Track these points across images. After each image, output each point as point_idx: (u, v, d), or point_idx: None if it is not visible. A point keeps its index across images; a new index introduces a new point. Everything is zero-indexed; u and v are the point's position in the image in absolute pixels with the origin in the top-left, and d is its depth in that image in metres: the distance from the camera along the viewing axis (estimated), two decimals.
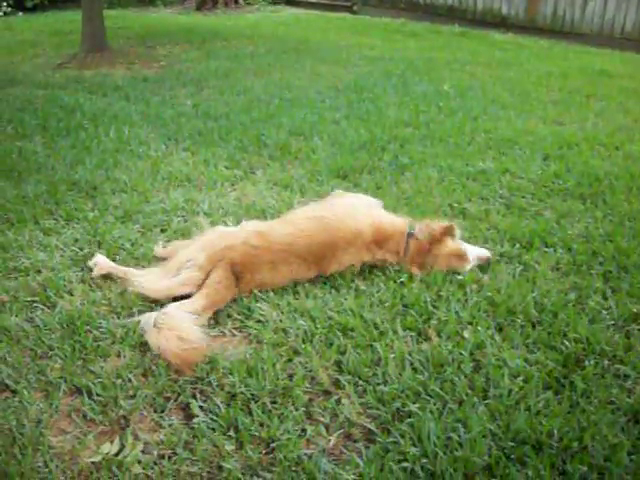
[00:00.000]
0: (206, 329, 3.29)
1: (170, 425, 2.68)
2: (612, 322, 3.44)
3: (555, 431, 2.63)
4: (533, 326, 3.38)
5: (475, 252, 3.96)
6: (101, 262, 3.80)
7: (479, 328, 3.29)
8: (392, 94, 8.25)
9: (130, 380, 2.90)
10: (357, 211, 4.04)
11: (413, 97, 8.08)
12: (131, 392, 2.84)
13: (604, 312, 3.52)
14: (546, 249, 4.21)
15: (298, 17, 16.41)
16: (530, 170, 5.58)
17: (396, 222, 4.03)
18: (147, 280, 3.57)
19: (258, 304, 3.47)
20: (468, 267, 3.88)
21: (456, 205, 4.78)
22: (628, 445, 2.59)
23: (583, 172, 5.51)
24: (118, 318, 3.34)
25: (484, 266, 3.92)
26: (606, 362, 3.11)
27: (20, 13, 17.19)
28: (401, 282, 3.70)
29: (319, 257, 3.72)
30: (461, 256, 3.89)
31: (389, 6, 16.88)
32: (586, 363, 3.07)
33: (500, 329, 3.35)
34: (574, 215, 4.72)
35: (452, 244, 3.92)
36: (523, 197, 5.04)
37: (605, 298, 3.68)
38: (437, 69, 10.03)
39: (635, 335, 3.35)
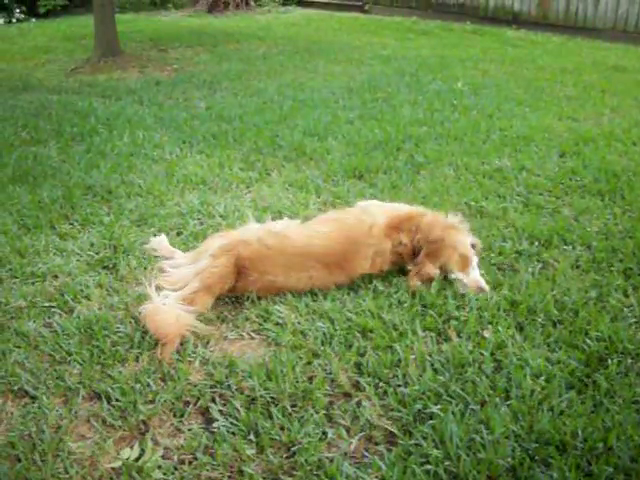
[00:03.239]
0: (205, 311, 3.40)
1: (190, 430, 2.66)
2: (634, 320, 3.39)
3: (579, 431, 2.59)
4: (554, 325, 3.34)
5: (477, 275, 3.71)
6: (163, 242, 4.02)
7: (499, 328, 3.26)
8: (406, 93, 8.23)
9: (149, 385, 2.88)
10: (370, 207, 4.03)
11: (427, 96, 8.05)
12: (150, 397, 2.82)
13: (626, 310, 3.48)
14: (565, 247, 4.16)
15: (309, 17, 16.40)
16: (547, 167, 5.54)
17: (412, 208, 4.04)
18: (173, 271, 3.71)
19: (276, 306, 3.45)
20: (463, 279, 3.67)
21: (473, 203, 4.74)
22: None
23: (600, 168, 5.46)
24: (136, 322, 3.32)
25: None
26: (629, 360, 3.07)
27: (33, 19, 17.27)
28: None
29: (341, 259, 3.62)
30: (465, 260, 3.72)
31: (401, 5, 16.84)
32: (609, 362, 3.02)
33: (521, 328, 3.31)
34: (592, 212, 4.67)
35: (464, 241, 3.80)
36: (540, 194, 5.00)
37: (626, 295, 3.63)
38: (450, 67, 9.98)
39: None
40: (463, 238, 3.82)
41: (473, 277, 3.67)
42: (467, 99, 7.89)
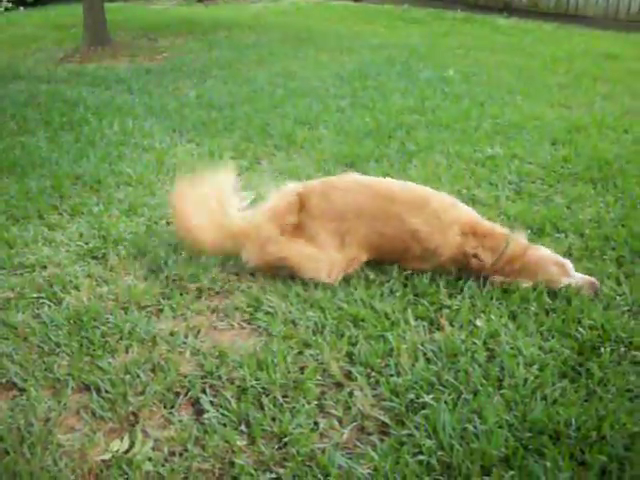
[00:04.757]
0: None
1: (180, 421, 2.62)
2: (627, 308, 3.37)
3: (573, 420, 2.57)
4: (547, 313, 3.32)
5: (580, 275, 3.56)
6: None
7: (492, 316, 3.23)
8: (396, 81, 8.18)
9: (139, 376, 2.84)
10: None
11: (418, 84, 8.01)
12: (140, 388, 2.78)
13: (618, 298, 3.46)
14: (558, 235, 4.14)
15: (299, 6, 16.30)
16: (539, 155, 5.51)
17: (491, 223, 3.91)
18: None
19: (267, 296, 3.42)
20: (572, 282, 3.50)
21: (465, 191, 4.72)
22: None
23: (592, 156, 5.44)
24: (125, 313, 3.29)
25: None
26: (622, 349, 3.05)
27: (21, 8, 17.12)
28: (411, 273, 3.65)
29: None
30: (563, 267, 3.56)
31: None
32: (602, 350, 3.01)
33: (514, 317, 3.28)
34: (585, 200, 4.65)
35: (548, 252, 3.67)
36: (533, 182, 4.98)
37: (619, 284, 3.61)
38: (441, 55, 9.95)
39: None
40: (545, 251, 3.68)
41: (580, 276, 3.54)
42: (458, 87, 7.86)
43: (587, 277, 3.53)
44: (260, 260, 3.61)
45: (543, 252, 3.65)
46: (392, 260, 3.71)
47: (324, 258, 3.56)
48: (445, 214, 3.69)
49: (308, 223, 3.65)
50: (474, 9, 15.09)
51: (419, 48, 10.43)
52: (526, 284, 3.50)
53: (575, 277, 3.52)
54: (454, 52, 10.21)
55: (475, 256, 3.59)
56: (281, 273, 3.58)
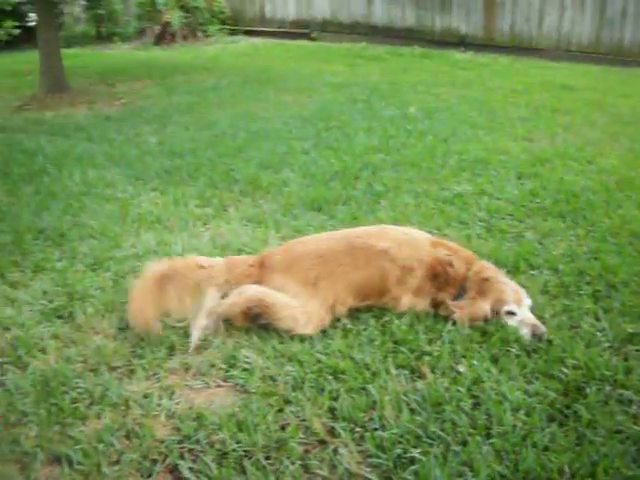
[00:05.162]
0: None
1: None
2: (608, 344, 3.34)
3: (566, 468, 2.50)
4: (529, 355, 3.26)
5: (531, 315, 3.52)
6: None
7: (474, 361, 3.17)
8: (359, 120, 8.18)
9: (112, 444, 2.69)
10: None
11: (381, 122, 8.02)
12: (114, 457, 2.64)
13: (599, 334, 3.43)
14: (532, 271, 4.12)
15: (257, 47, 16.35)
16: (506, 190, 5.52)
17: None
18: None
19: (243, 350, 3.30)
20: (517, 313, 3.50)
21: (436, 232, 4.65)
22: None
23: (559, 189, 5.47)
24: (95, 375, 3.14)
25: None
26: (608, 388, 3.00)
27: None
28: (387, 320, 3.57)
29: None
30: (518, 295, 3.59)
31: (348, 31, 16.90)
32: (588, 390, 2.96)
33: (496, 360, 3.22)
34: (556, 234, 4.65)
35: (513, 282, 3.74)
36: (503, 219, 4.96)
37: (598, 319, 3.59)
38: (402, 92, 10.00)
39: (633, 357, 3.26)
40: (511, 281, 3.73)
41: (529, 316, 3.49)
42: (421, 124, 7.88)
43: (534, 320, 3.46)
44: (233, 305, 3.50)
45: (507, 279, 3.72)
46: (375, 296, 3.67)
47: (299, 305, 3.47)
48: (411, 232, 3.90)
49: (275, 278, 3.60)
50: (431, 44, 15.28)
51: (380, 86, 10.50)
52: (485, 305, 3.51)
53: (523, 313, 3.50)
54: (415, 88, 10.28)
55: (450, 264, 3.66)
56: (255, 324, 3.48)
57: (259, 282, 3.61)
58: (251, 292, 3.49)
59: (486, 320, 3.51)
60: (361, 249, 3.67)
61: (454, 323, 3.50)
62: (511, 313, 3.49)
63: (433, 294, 3.67)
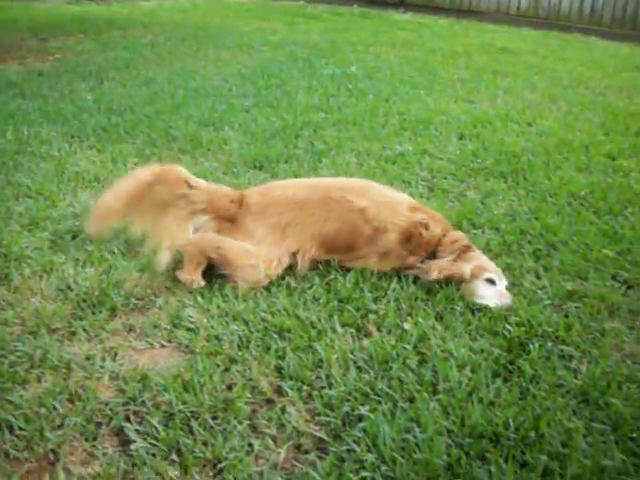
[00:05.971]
0: None
1: (105, 454, 2.41)
2: (549, 302, 3.40)
3: (511, 422, 2.53)
4: (473, 313, 3.29)
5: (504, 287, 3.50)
6: None
7: (419, 319, 3.18)
8: (300, 79, 8.09)
9: (55, 408, 2.60)
10: None
11: (321, 81, 7.94)
12: (57, 421, 2.54)
13: (540, 292, 3.49)
14: (474, 230, 4.15)
15: (195, 3, 15.95)
16: (448, 150, 5.54)
17: None
18: None
19: (186, 310, 3.24)
20: (497, 280, 3.48)
21: None
22: (582, 428, 2.53)
23: (500, 150, 5.51)
24: (35, 338, 3.04)
25: None
26: (549, 344, 3.06)
27: None
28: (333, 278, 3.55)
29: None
30: (495, 268, 3.57)
31: None
32: (530, 347, 3.00)
33: (441, 318, 3.24)
34: (497, 194, 4.70)
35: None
36: (445, 178, 4.98)
37: (538, 277, 3.65)
38: (342, 51, 9.93)
39: (573, 313, 3.31)
40: None
41: (505, 291, 3.45)
42: (362, 83, 7.84)
43: (509, 297, 3.43)
44: (192, 246, 3.50)
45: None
46: (342, 251, 3.64)
47: (261, 254, 3.46)
48: (391, 194, 3.83)
49: (247, 220, 3.55)
50: (370, 4, 15.19)
51: (320, 44, 10.39)
52: (466, 268, 3.48)
53: (502, 285, 3.48)
54: (355, 48, 10.20)
55: (426, 227, 3.60)
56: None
57: (233, 220, 3.58)
58: (210, 237, 3.53)
59: (460, 281, 3.49)
60: (337, 202, 3.62)
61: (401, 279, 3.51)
62: (491, 281, 3.45)
63: (403, 258, 3.64)
